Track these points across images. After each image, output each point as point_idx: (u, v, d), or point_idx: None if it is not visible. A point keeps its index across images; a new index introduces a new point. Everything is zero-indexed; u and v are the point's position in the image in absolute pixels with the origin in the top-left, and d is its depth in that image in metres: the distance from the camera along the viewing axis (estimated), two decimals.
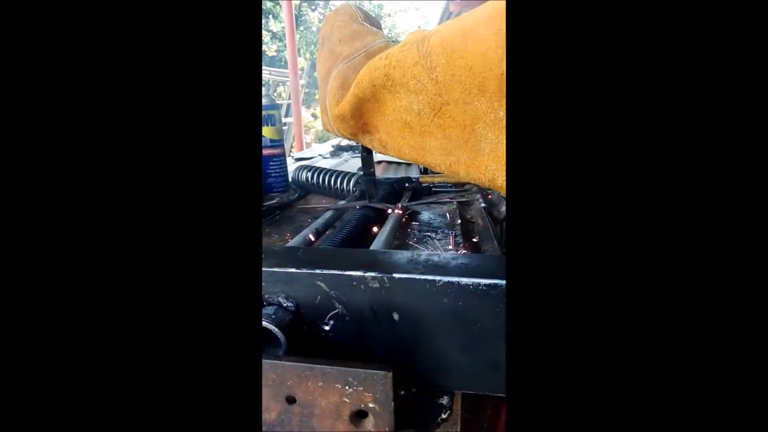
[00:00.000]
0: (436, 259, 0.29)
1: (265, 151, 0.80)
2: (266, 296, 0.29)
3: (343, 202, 0.64)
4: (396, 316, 0.28)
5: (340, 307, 0.28)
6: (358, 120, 0.35)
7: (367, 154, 0.57)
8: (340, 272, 0.28)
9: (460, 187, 0.79)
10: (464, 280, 0.26)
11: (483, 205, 0.64)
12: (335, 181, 0.75)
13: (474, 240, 0.55)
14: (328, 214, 0.56)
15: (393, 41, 0.40)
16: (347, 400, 0.24)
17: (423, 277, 0.26)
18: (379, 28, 0.44)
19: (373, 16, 0.48)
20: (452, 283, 0.26)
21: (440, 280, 0.26)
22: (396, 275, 0.27)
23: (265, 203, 0.69)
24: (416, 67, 0.27)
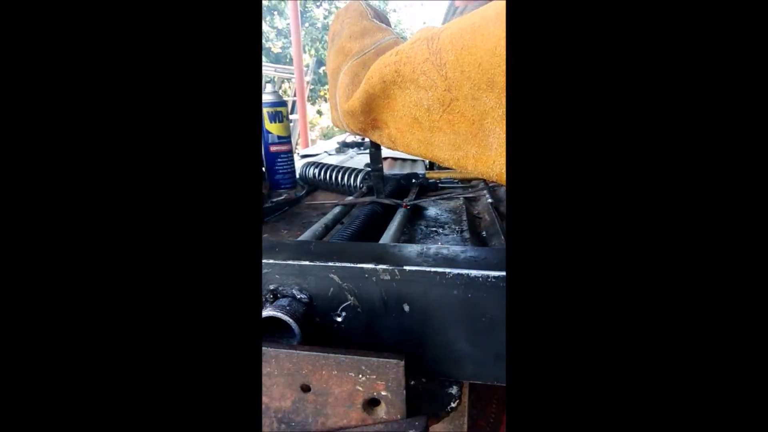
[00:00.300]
0: (445, 252, 0.30)
1: (272, 148, 0.81)
2: (280, 288, 0.30)
3: (351, 198, 0.65)
4: (406, 308, 0.28)
5: (352, 298, 0.29)
6: (368, 116, 0.36)
7: (375, 150, 0.57)
8: (352, 265, 0.28)
9: (466, 183, 0.79)
10: (473, 273, 0.26)
11: (490, 200, 0.64)
12: (342, 178, 0.76)
13: (481, 235, 0.56)
14: (337, 209, 0.57)
15: (402, 38, 0.40)
16: (360, 388, 0.24)
17: (433, 269, 0.27)
18: (388, 24, 0.45)
19: (381, 12, 0.48)
20: (461, 275, 0.27)
21: (450, 273, 0.27)
22: (407, 267, 0.27)
23: (274, 199, 0.70)
24: (426, 63, 0.27)
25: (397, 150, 0.36)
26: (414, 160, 1.17)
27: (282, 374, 0.25)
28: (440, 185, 0.77)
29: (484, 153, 0.28)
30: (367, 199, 0.60)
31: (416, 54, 0.28)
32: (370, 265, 0.28)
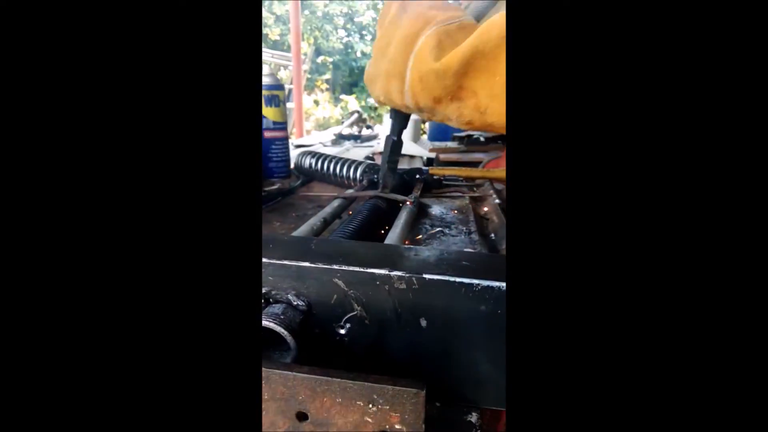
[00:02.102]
0: (469, 259, 0.26)
1: (266, 134, 0.76)
2: (273, 292, 0.26)
3: (351, 191, 0.61)
4: (423, 322, 0.24)
5: (359, 308, 0.25)
6: (460, 78, 0.35)
7: (396, 139, 0.54)
8: (361, 269, 0.24)
9: (470, 181, 0.75)
10: (505, 285, 0.22)
11: (497, 201, 0.60)
12: (342, 169, 0.71)
13: (490, 237, 0.52)
14: (336, 203, 0.53)
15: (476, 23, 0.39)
16: (369, 420, 0.20)
17: (458, 279, 0.23)
18: None
19: None
20: (491, 288, 0.23)
21: (478, 284, 0.23)
22: (426, 276, 0.23)
23: (266, 188, 0.66)
24: None
25: (485, 120, 0.35)
26: (412, 156, 1.13)
27: (273, 398, 0.21)
28: (444, 182, 0.73)
29: None
30: (370, 192, 0.55)
31: None
32: (383, 271, 0.24)
